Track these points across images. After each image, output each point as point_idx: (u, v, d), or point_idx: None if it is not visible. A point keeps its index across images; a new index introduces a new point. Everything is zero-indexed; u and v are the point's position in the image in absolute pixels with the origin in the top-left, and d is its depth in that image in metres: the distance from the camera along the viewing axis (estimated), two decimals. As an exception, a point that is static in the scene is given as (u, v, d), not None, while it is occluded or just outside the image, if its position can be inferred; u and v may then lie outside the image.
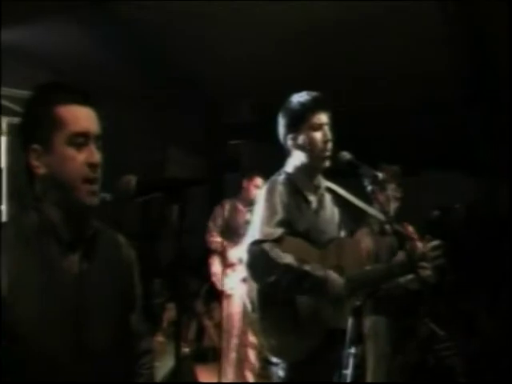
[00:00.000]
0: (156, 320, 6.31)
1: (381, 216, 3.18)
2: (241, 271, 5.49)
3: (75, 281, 1.64)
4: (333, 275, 2.64)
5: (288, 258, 2.59)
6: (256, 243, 2.61)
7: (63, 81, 1.71)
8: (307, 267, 2.60)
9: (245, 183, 5.76)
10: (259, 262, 2.60)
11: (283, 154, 2.91)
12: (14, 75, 4.96)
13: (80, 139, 1.63)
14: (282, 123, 2.86)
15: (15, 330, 1.53)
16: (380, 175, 2.68)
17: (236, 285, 5.51)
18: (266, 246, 2.58)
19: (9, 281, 1.55)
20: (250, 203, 5.84)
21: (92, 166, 1.63)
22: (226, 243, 5.59)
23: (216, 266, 5.63)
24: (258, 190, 5.62)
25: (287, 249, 2.63)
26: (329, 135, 2.78)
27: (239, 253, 5.55)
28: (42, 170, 1.63)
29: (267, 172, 2.95)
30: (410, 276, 3.19)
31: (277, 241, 2.62)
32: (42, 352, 1.55)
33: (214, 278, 5.66)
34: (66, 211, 1.65)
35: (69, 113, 1.63)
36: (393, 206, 3.91)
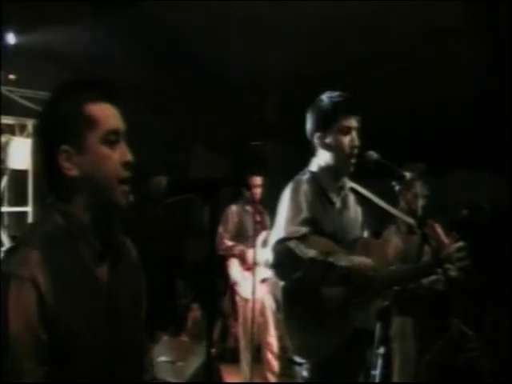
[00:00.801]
0: (180, 320, 6.37)
1: (405, 217, 3.19)
2: (258, 273, 5.53)
3: (107, 290, 1.63)
4: (361, 259, 2.65)
5: (312, 252, 2.60)
6: (281, 241, 2.63)
7: (88, 78, 1.68)
8: (331, 258, 2.61)
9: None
10: (285, 260, 2.62)
11: (309, 155, 2.94)
12: (38, 77, 5.03)
13: (113, 137, 1.61)
14: (311, 120, 2.87)
15: (56, 333, 1.51)
16: (408, 174, 2.69)
17: (254, 287, 5.53)
18: (291, 244, 2.60)
19: (51, 281, 1.51)
20: (256, 203, 5.89)
21: (126, 164, 1.61)
22: (241, 247, 5.60)
23: (234, 269, 5.62)
24: (258, 188, 5.66)
25: (312, 246, 2.64)
26: (357, 141, 2.78)
27: (255, 255, 5.60)
28: (73, 172, 1.59)
29: (292, 172, 2.96)
30: (434, 277, 3.18)
31: (302, 238, 2.64)
32: (78, 357, 1.54)
33: (232, 282, 5.66)
34: (98, 214, 1.62)
35: (100, 110, 1.61)
36: (421, 204, 3.91)
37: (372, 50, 5.56)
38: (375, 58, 5.68)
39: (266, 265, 5.33)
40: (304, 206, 2.71)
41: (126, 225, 1.74)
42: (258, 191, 5.72)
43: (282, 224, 2.69)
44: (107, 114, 1.62)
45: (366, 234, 2.99)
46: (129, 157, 1.63)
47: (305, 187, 2.77)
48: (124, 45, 5.45)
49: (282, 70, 6.11)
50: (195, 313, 6.44)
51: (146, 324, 1.79)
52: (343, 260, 2.63)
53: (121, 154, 1.62)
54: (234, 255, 5.63)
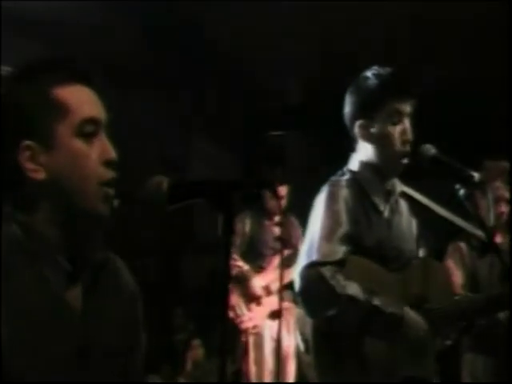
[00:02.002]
0: (178, 360, 6.35)
1: (475, 230, 3.13)
2: (267, 305, 5.48)
3: (79, 319, 1.60)
4: (411, 314, 2.61)
5: (353, 288, 2.56)
6: (313, 266, 2.58)
7: (56, 55, 1.66)
8: (377, 301, 2.57)
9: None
10: (316, 291, 2.58)
11: (340, 148, 2.89)
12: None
13: (89, 128, 1.57)
14: (350, 103, 2.82)
15: (9, 372, 1.48)
16: (476, 175, 2.61)
17: (262, 321, 5.49)
18: (326, 271, 2.56)
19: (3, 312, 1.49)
20: (274, 214, 5.83)
21: (109, 163, 1.59)
22: (247, 269, 5.55)
23: (234, 297, 5.56)
24: (281, 200, 5.62)
25: (353, 273, 2.61)
26: (410, 134, 2.73)
27: (264, 281, 5.55)
28: (40, 174, 1.55)
29: (317, 171, 2.92)
30: None
31: (340, 263, 2.60)
32: None
33: (232, 313, 5.59)
34: (69, 227, 1.59)
35: (71, 95, 1.58)
36: (504, 210, 3.93)
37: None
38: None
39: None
40: (343, 217, 2.67)
41: (109, 237, 1.71)
42: (281, 202, 5.70)
43: (314, 241, 2.64)
44: (81, 99, 1.60)
45: (421, 252, 2.94)
46: (111, 153, 1.60)
47: (344, 193, 2.73)
48: (114, 15, 5.47)
49: (306, 45, 6.12)
50: (196, 351, 6.42)
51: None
52: (393, 306, 2.59)
53: (101, 149, 1.59)
54: (235, 278, 5.58)
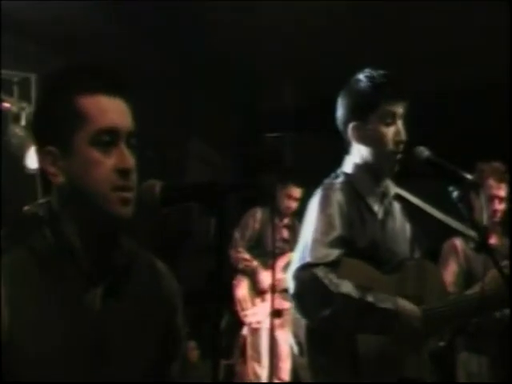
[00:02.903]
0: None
1: (468, 231, 3.14)
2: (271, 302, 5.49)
3: (95, 320, 1.62)
4: (405, 305, 2.60)
5: (346, 286, 2.56)
6: (306, 267, 2.58)
7: (86, 63, 1.70)
8: (371, 297, 2.57)
9: (279, 191, 5.74)
10: (310, 292, 2.58)
11: (336, 150, 2.90)
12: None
13: (106, 137, 1.61)
14: (343, 106, 2.82)
15: (27, 371, 1.52)
16: (470, 177, 2.62)
17: (265, 317, 5.50)
18: (319, 272, 2.55)
19: (17, 319, 1.53)
20: (285, 215, 5.86)
21: (123, 172, 1.61)
22: (256, 264, 5.57)
23: (242, 290, 5.60)
24: (295, 202, 5.62)
25: (347, 274, 2.60)
26: (403, 134, 2.73)
27: (271, 278, 5.56)
28: (59, 178, 1.62)
29: (315, 172, 2.92)
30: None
31: (333, 264, 2.60)
32: None
33: (238, 307, 5.61)
34: (89, 230, 1.64)
35: (93, 104, 1.62)
36: (499, 208, 3.98)
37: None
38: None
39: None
40: (337, 221, 2.67)
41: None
42: (294, 204, 5.72)
43: (308, 244, 2.64)
44: (101, 109, 1.62)
45: (416, 254, 2.95)
46: (127, 163, 1.62)
47: (338, 196, 2.73)
48: (110, 17, 5.46)
49: (304, 45, 6.11)
50: (192, 353, 6.40)
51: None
52: (386, 301, 2.58)
53: (117, 159, 1.62)
54: (243, 271, 5.60)
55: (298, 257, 2.66)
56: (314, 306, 2.59)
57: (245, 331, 5.67)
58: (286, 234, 5.81)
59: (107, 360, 1.62)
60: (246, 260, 5.62)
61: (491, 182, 3.99)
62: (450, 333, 3.07)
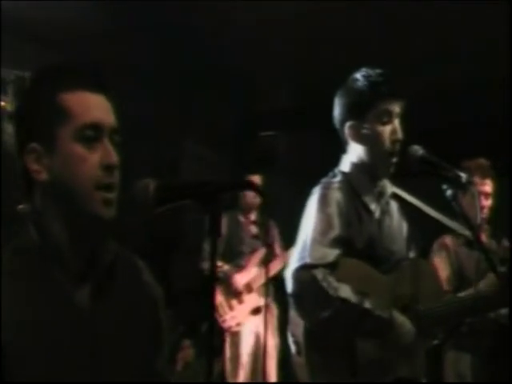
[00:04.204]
0: (168, 361, 6.33)
1: (462, 229, 3.15)
2: (249, 302, 5.48)
3: (85, 320, 1.61)
4: (400, 318, 2.62)
5: (345, 291, 2.57)
6: (305, 268, 2.58)
7: (68, 62, 1.71)
8: (368, 304, 2.58)
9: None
10: (308, 293, 2.58)
11: (332, 149, 2.90)
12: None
13: (90, 133, 1.61)
14: (340, 105, 2.82)
15: (19, 371, 1.51)
16: (464, 176, 2.63)
17: (244, 319, 5.48)
18: (318, 273, 2.56)
19: (7, 319, 1.51)
20: (252, 211, 5.85)
21: (107, 168, 1.61)
22: (229, 269, 5.54)
23: (217, 297, 5.56)
24: (258, 196, 5.58)
25: (345, 274, 2.61)
26: (399, 133, 2.74)
27: (245, 279, 5.57)
28: (43, 176, 1.61)
29: (311, 172, 2.92)
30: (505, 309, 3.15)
31: (331, 265, 2.60)
32: None
33: (216, 314, 5.57)
34: (74, 229, 1.62)
35: (76, 101, 1.62)
36: (486, 204, 4.03)
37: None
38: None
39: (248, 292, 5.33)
40: (336, 220, 2.67)
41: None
42: (257, 199, 5.70)
43: (306, 244, 2.64)
44: (84, 105, 1.63)
45: (412, 253, 2.95)
46: (112, 159, 1.62)
47: (336, 195, 2.73)
48: (107, 15, 5.46)
49: (300, 44, 6.11)
50: (187, 351, 6.40)
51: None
52: (382, 310, 2.59)
53: (102, 154, 1.61)
54: (217, 279, 5.56)
55: (296, 256, 2.65)
56: (313, 308, 2.60)
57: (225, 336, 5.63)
58: (254, 230, 5.79)
59: (99, 359, 1.61)
60: (218, 266, 5.53)
61: (476, 178, 4.00)
62: (444, 332, 3.06)
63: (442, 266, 3.91)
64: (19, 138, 1.65)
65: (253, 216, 5.87)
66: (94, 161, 1.60)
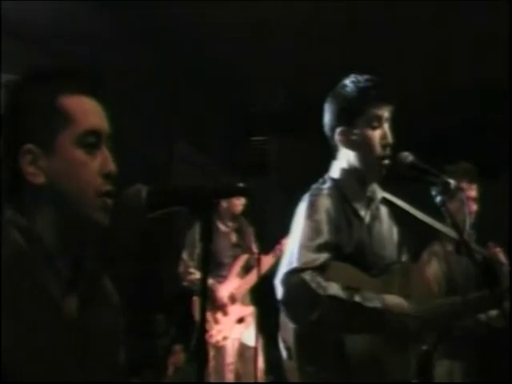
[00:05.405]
0: (160, 365, 6.32)
1: (453, 234, 3.16)
2: (233, 313, 5.49)
3: (75, 327, 1.59)
4: (393, 300, 2.61)
5: (333, 288, 2.56)
6: (294, 273, 2.58)
7: (65, 65, 1.68)
8: (358, 298, 2.57)
9: None
10: (298, 297, 2.58)
11: (325, 154, 2.91)
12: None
13: (92, 139, 1.60)
14: (330, 111, 2.83)
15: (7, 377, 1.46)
16: (452, 182, 2.65)
17: (230, 331, 5.49)
18: (307, 276, 2.55)
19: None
20: (232, 219, 5.77)
21: (108, 176, 1.60)
22: (211, 282, 5.45)
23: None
24: (239, 204, 5.57)
25: (334, 277, 2.60)
26: (389, 138, 2.74)
27: (228, 290, 5.54)
28: (39, 179, 1.56)
29: (303, 177, 2.93)
30: (495, 312, 3.16)
31: (320, 268, 2.60)
32: None
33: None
34: (66, 234, 1.59)
35: (77, 105, 1.60)
36: (473, 209, 4.04)
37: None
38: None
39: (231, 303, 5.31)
40: (325, 227, 2.67)
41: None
42: (237, 203, 5.62)
43: (295, 250, 2.63)
44: (86, 110, 1.61)
45: (404, 258, 2.96)
46: (111, 166, 1.61)
47: (326, 202, 2.73)
48: (98, 17, 5.45)
49: (293, 49, 6.12)
50: (178, 356, 6.39)
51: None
52: (373, 300, 2.59)
53: (102, 162, 1.60)
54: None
55: (285, 262, 2.65)
56: (303, 311, 2.59)
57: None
58: (234, 238, 5.73)
59: (85, 367, 1.60)
60: (198, 280, 5.47)
61: (464, 184, 4.01)
62: (433, 337, 3.08)
63: (433, 274, 3.90)
64: (10, 138, 1.59)
65: (232, 223, 5.79)
66: (95, 167, 1.59)
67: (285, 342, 2.69)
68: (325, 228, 2.66)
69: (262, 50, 6.26)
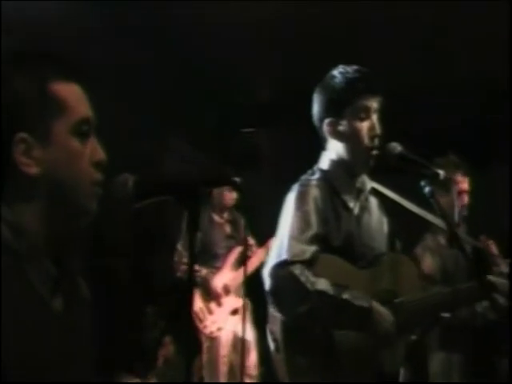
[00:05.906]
0: (150, 358, 6.33)
1: (443, 225, 3.17)
2: (228, 304, 5.48)
3: (63, 327, 1.55)
4: (379, 308, 2.62)
5: (322, 284, 2.57)
6: (283, 265, 2.58)
7: (51, 51, 1.61)
8: (346, 295, 2.58)
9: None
10: (286, 290, 2.59)
11: (314, 146, 2.91)
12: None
13: (85, 127, 1.55)
14: (318, 102, 2.83)
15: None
16: (441, 173, 2.64)
17: (224, 322, 5.49)
18: (296, 269, 2.55)
19: None
20: (226, 210, 5.77)
21: (98, 164, 1.56)
22: (205, 272, 5.51)
23: (197, 303, 5.47)
24: (233, 195, 5.57)
25: (323, 271, 2.61)
26: (377, 129, 2.74)
27: (222, 281, 5.53)
28: (33, 169, 1.49)
29: (293, 169, 2.92)
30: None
31: (309, 261, 2.60)
32: None
33: (196, 320, 5.49)
34: (56, 227, 1.54)
35: (70, 93, 1.55)
36: (465, 202, 4.03)
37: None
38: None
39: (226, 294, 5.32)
40: (313, 218, 2.67)
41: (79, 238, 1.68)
42: (231, 195, 5.63)
43: (284, 242, 2.64)
44: (78, 98, 1.56)
45: (395, 249, 2.97)
46: (102, 155, 1.57)
47: (314, 193, 2.73)
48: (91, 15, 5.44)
49: (280, 41, 6.11)
50: (168, 348, 6.39)
51: (107, 363, 1.75)
52: (362, 299, 2.60)
53: (92, 150, 1.56)
54: (194, 283, 5.50)
55: (274, 254, 2.65)
56: (291, 304, 2.60)
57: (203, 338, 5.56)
58: (228, 229, 5.74)
59: (73, 367, 1.57)
60: (195, 271, 5.44)
61: (458, 176, 4.03)
62: (422, 327, 3.08)
63: (427, 269, 3.91)
64: (3, 127, 1.49)
65: (227, 215, 5.79)
66: (87, 156, 1.55)
67: (272, 333, 2.69)
68: (314, 219, 2.66)
69: (250, 42, 6.24)
